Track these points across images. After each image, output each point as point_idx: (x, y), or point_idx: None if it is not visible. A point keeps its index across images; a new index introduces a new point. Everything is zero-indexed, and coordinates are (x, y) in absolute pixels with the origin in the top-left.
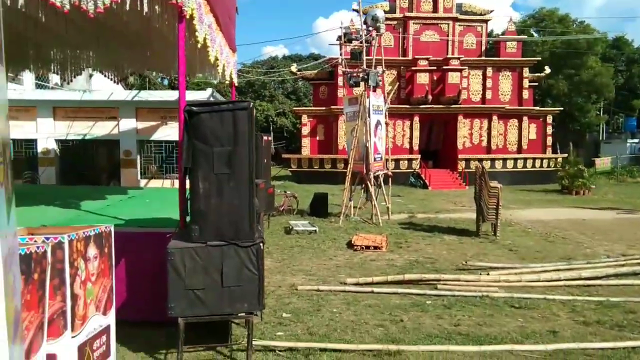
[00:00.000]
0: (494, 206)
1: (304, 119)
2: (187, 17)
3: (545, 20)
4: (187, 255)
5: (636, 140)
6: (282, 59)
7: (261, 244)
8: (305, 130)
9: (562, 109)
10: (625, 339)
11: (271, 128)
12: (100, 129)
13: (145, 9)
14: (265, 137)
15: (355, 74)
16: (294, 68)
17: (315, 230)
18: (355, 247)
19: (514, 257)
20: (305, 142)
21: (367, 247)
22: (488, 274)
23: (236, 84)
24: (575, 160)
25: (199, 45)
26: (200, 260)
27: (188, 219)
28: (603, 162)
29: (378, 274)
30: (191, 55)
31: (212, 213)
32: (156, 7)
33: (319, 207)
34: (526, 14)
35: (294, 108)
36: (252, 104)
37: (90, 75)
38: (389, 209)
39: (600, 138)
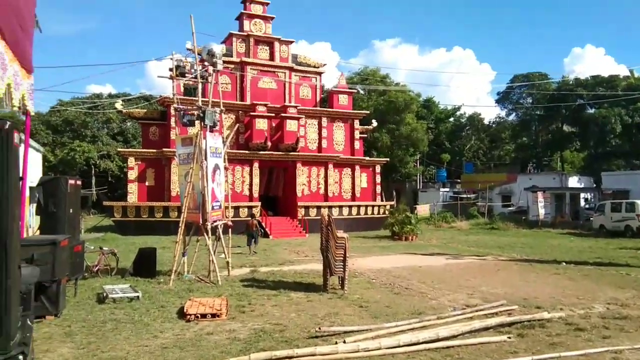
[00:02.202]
0: (342, 258)
1: (131, 161)
2: None
3: (369, 79)
4: None
5: (447, 189)
6: (107, 96)
7: (21, 356)
8: (132, 174)
9: (388, 159)
10: None
11: (93, 172)
12: None
13: None
14: (72, 181)
15: (189, 112)
16: (118, 105)
17: (138, 297)
18: (189, 316)
19: (366, 314)
20: (132, 187)
21: (204, 315)
22: (344, 342)
23: (32, 112)
24: (403, 208)
25: None
26: None
27: None
28: (423, 209)
29: (217, 355)
30: None
31: None
32: None
33: (145, 266)
34: (352, 72)
35: (120, 149)
36: (9, 124)
37: None
38: (228, 263)
39: (418, 187)
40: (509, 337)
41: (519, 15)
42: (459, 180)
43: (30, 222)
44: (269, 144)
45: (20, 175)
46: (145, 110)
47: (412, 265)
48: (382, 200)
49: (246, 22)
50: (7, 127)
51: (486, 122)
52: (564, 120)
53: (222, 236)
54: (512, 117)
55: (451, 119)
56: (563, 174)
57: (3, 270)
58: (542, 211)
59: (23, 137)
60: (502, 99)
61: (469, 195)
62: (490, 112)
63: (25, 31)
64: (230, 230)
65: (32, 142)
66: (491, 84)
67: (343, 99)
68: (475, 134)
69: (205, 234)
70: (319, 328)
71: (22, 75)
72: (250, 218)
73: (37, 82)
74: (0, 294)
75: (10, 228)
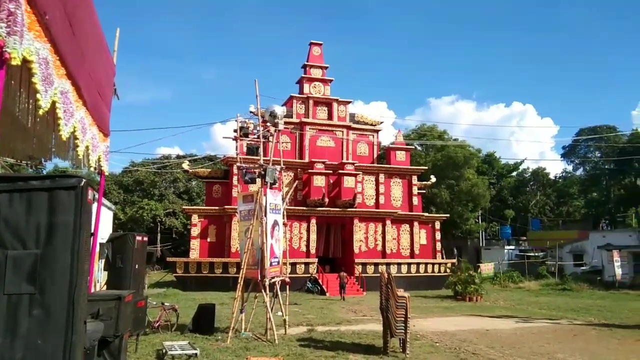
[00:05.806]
0: (403, 318)
1: (194, 219)
2: (13, 62)
3: (427, 135)
4: None
5: (512, 247)
6: (175, 157)
7: None
8: (195, 231)
9: (448, 215)
10: None
11: (159, 229)
12: None
13: None
14: (139, 237)
15: (251, 170)
16: (185, 165)
17: (196, 354)
18: None
19: None
20: (195, 244)
21: None
22: None
23: (106, 173)
24: (465, 266)
25: (40, 112)
26: None
27: None
28: (487, 268)
29: None
30: (44, 132)
31: None
32: None
33: (204, 322)
34: (409, 129)
35: (184, 207)
36: (84, 181)
37: None
38: (285, 321)
39: (481, 244)
40: None
41: (579, 71)
42: (524, 238)
43: (99, 277)
44: (327, 200)
45: (92, 231)
46: (209, 170)
47: (479, 328)
48: (442, 258)
49: (306, 85)
50: (82, 184)
51: (552, 176)
52: (637, 174)
53: (279, 293)
54: (579, 171)
55: (514, 174)
56: None
57: (69, 326)
58: (619, 271)
59: (96, 195)
60: (568, 153)
61: (536, 254)
62: (556, 167)
63: (104, 98)
64: (287, 287)
65: (104, 200)
66: (554, 138)
67: (400, 155)
68: (540, 189)
69: (263, 290)
70: None
71: (100, 138)
72: (342, 272)
73: (113, 145)
74: (65, 349)
75: (79, 283)
